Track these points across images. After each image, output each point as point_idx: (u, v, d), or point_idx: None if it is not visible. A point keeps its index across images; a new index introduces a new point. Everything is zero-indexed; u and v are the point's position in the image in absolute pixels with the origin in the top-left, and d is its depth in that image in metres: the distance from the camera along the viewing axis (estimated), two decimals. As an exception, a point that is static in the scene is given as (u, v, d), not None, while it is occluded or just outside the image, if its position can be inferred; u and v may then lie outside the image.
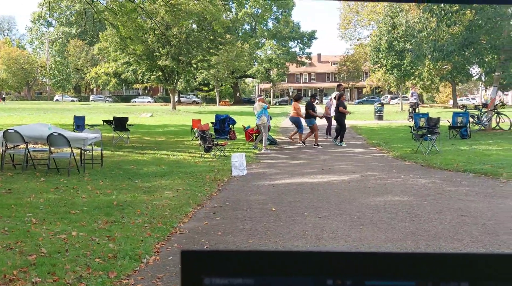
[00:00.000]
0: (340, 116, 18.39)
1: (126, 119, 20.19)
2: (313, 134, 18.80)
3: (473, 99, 79.87)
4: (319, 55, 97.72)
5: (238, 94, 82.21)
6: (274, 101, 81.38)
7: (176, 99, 60.95)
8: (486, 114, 23.55)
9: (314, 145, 18.23)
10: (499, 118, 23.44)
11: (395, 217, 7.57)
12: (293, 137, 20.24)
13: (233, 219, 7.60)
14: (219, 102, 73.27)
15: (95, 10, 23.05)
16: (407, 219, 7.47)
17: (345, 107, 18.40)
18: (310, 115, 18.52)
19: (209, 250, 0.71)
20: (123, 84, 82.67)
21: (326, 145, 18.85)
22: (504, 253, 0.67)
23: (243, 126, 21.82)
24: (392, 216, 7.66)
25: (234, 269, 0.69)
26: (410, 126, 18.00)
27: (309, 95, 19.94)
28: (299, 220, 7.46)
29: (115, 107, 54.83)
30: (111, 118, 20.46)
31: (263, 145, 17.31)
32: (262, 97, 18.58)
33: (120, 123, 19.79)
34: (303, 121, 19.19)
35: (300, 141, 19.30)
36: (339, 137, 18.76)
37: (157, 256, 5.89)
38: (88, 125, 20.65)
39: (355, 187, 10.25)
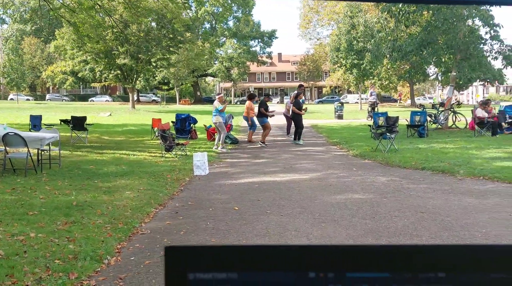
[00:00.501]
0: (296, 115, 18.52)
1: (84, 118, 19.88)
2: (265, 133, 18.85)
3: (430, 98, 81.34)
4: (279, 55, 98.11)
5: (198, 93, 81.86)
6: (235, 100, 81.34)
7: (135, 98, 60.38)
8: (443, 113, 24.03)
9: (260, 142, 18.27)
10: (456, 117, 23.95)
11: (356, 214, 7.66)
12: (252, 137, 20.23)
13: (195, 219, 7.57)
14: (179, 101, 72.85)
15: (51, 7, 22.59)
16: (368, 216, 7.56)
17: (300, 107, 18.49)
18: (262, 114, 18.56)
19: (193, 245, 0.70)
20: (81, 83, 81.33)
21: (287, 144, 18.95)
22: (479, 244, 0.68)
23: (204, 125, 21.75)
24: (353, 213, 7.75)
25: (218, 264, 0.69)
26: (369, 125, 18.23)
27: (264, 94, 19.98)
28: (261, 219, 7.48)
29: (73, 106, 53.91)
30: (69, 117, 20.13)
31: (220, 143, 17.24)
32: (221, 95, 18.55)
33: (78, 123, 19.48)
34: (255, 120, 19.26)
35: (249, 140, 19.37)
36: (297, 136, 18.90)
37: (118, 256, 5.83)
38: (45, 125, 20.23)
39: (317, 185, 10.33)
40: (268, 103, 19.59)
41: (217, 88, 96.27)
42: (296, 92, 19.37)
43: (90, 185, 10.01)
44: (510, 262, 0.68)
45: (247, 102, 19.75)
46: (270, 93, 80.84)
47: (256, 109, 19.06)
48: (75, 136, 19.15)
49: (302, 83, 22.26)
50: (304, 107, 18.77)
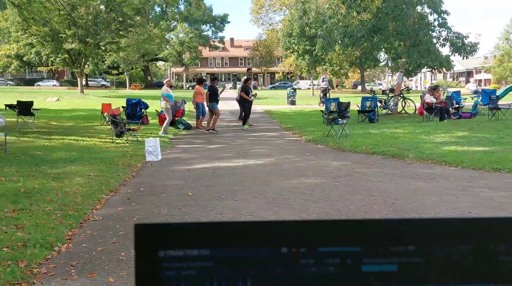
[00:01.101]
0: (243, 100, 18.54)
1: (31, 103, 19.33)
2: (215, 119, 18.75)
3: (380, 84, 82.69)
4: (232, 40, 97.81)
5: (149, 78, 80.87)
6: (187, 85, 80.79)
7: (84, 82, 59.18)
8: (392, 99, 24.45)
9: (209, 130, 18.17)
10: (405, 102, 24.41)
11: (309, 198, 7.73)
12: (202, 124, 20.07)
13: (148, 205, 7.50)
14: (130, 86, 71.87)
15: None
16: (321, 200, 7.64)
17: (247, 93, 18.49)
18: (212, 99, 18.40)
19: (163, 223, 0.69)
20: (26, 67, 79.02)
21: (241, 129, 18.93)
22: (448, 218, 0.70)
23: (156, 110, 21.50)
24: (306, 197, 7.82)
25: (189, 241, 0.68)
26: (321, 111, 18.41)
27: (212, 78, 19.80)
28: (216, 204, 7.46)
29: (18, 91, 52.45)
30: (14, 102, 19.53)
31: (162, 128, 17.07)
32: (169, 79, 18.36)
33: (24, 108, 18.90)
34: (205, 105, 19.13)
35: (198, 126, 19.27)
36: (247, 120, 18.94)
37: (69, 243, 5.72)
38: (-10, 110, 19.65)
39: (271, 170, 10.37)
40: (219, 89, 19.48)
41: (168, 73, 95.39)
42: (245, 77, 19.38)
43: (38, 172, 9.78)
44: (477, 234, 0.69)
45: (196, 87, 19.56)
46: (222, 79, 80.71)
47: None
48: (22, 121, 18.60)
49: (250, 67, 22.19)
50: (254, 93, 18.78)
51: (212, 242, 0.68)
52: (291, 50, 45.77)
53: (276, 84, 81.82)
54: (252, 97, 18.70)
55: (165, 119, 18.75)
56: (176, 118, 19.63)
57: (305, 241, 0.68)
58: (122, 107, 19.95)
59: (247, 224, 0.69)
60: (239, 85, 19.92)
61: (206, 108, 18.95)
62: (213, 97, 18.35)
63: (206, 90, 18.95)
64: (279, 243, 0.68)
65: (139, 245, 0.69)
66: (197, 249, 0.68)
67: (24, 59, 61.17)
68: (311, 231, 0.68)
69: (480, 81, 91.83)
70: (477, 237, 0.69)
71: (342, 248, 0.69)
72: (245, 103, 18.63)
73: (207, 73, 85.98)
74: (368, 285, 0.69)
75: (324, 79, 33.75)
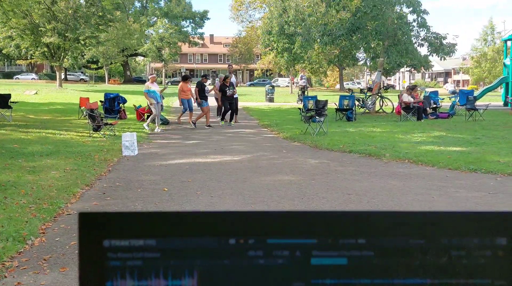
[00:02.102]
0: (222, 97, 18.56)
1: (8, 96, 19.16)
2: (201, 115, 18.72)
3: (358, 83, 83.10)
4: (211, 36, 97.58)
5: (128, 73, 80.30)
6: (166, 81, 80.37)
7: (63, 76, 58.55)
8: (370, 97, 24.60)
9: (192, 122, 18.19)
10: (383, 101, 24.57)
11: (285, 196, 7.75)
12: (191, 119, 19.97)
13: (123, 199, 7.46)
14: (109, 80, 71.30)
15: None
16: (296, 197, 7.66)
17: (224, 91, 18.44)
18: (201, 95, 18.34)
19: (108, 211, 0.68)
20: (5, 60, 78.13)
21: (219, 126, 18.90)
22: (399, 211, 0.70)
23: (134, 105, 21.38)
24: (282, 194, 7.83)
25: (135, 230, 0.67)
26: (299, 108, 18.44)
27: (202, 75, 19.69)
28: (191, 200, 7.44)
29: (-4, 84, 51.80)
30: (-9, 95, 19.33)
31: (156, 125, 17.02)
32: (154, 75, 18.27)
33: (1, 100, 18.74)
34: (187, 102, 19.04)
35: (179, 121, 19.24)
36: (230, 117, 18.92)
37: (43, 237, 5.67)
38: (-34, 102, 19.36)
39: (247, 167, 10.37)
40: (161, 87, 19.43)
41: (147, 68, 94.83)
42: (222, 75, 19.43)
43: (13, 165, 9.67)
44: (430, 228, 0.69)
45: (180, 83, 19.46)
46: (208, 74, 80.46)
47: (193, 91, 18.82)
48: (-1, 114, 18.43)
49: (230, 63, 22.17)
50: (233, 90, 18.77)
51: (159, 232, 0.67)
52: (270, 48, 45.78)
53: (255, 81, 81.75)
54: (230, 92, 18.66)
55: (143, 113, 18.68)
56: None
57: (254, 232, 0.68)
58: (100, 101, 19.82)
59: (195, 214, 0.68)
60: (217, 82, 19.79)
61: (194, 104, 18.85)
62: (202, 94, 18.27)
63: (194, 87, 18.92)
64: (227, 234, 0.68)
65: (83, 234, 0.67)
66: (143, 239, 0.67)
67: (3, 52, 60.29)
68: (260, 222, 0.68)
69: (458, 82, 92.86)
70: (430, 231, 0.69)
71: (291, 240, 0.68)
72: (224, 99, 18.61)
73: (186, 69, 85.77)
74: (317, 278, 0.69)
75: (303, 77, 33.83)
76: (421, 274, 0.69)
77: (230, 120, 19.04)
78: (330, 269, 0.69)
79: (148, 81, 17.64)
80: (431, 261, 0.69)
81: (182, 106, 19.43)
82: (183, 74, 20.87)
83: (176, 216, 0.68)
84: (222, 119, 19.02)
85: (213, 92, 19.92)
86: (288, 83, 56.78)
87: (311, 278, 0.69)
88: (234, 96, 18.97)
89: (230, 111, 19.06)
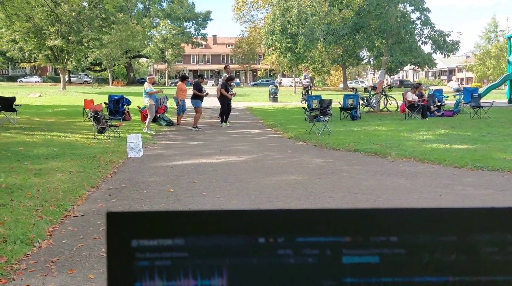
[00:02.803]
0: (222, 98, 18.52)
1: (13, 99, 19.21)
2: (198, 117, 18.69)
3: (362, 82, 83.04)
4: (214, 37, 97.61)
5: (132, 75, 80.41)
6: (170, 82, 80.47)
7: (66, 79, 58.68)
8: (374, 96, 24.57)
9: (192, 127, 18.10)
10: (387, 100, 24.54)
11: (291, 195, 7.74)
12: (181, 120, 20.02)
13: (130, 201, 7.46)
14: (112, 82, 71.39)
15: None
16: (303, 197, 7.65)
17: (227, 90, 18.44)
18: (196, 95, 18.30)
19: (136, 211, 0.67)
20: (9, 63, 78.47)
21: (223, 126, 18.90)
22: (429, 208, 0.69)
23: (138, 106, 21.39)
24: (288, 194, 7.82)
25: (163, 230, 0.66)
26: (303, 108, 18.43)
27: (198, 75, 19.66)
28: (197, 201, 7.44)
29: (1, 87, 51.90)
30: (-4, 98, 19.40)
31: (146, 125, 16.96)
32: (152, 77, 18.28)
33: (6, 103, 18.79)
34: (188, 102, 19.06)
35: (179, 123, 19.23)
36: (224, 119, 18.94)
37: (50, 239, 5.67)
38: (-29, 105, 19.41)
39: (253, 167, 10.37)
40: (203, 85, 19.42)
41: (151, 70, 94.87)
42: (226, 75, 19.43)
43: (19, 167, 9.68)
44: (459, 225, 0.68)
45: (179, 83, 19.49)
46: (205, 75, 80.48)
47: (190, 91, 18.84)
48: (4, 117, 18.45)
49: (227, 65, 22.16)
50: (234, 92, 18.81)
51: (187, 231, 0.66)
52: (273, 48, 45.75)
53: (258, 81, 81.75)
54: (231, 95, 18.68)
55: (146, 115, 18.67)
56: (158, 115, 19.57)
57: (283, 230, 0.67)
58: (104, 103, 19.84)
59: (223, 213, 0.67)
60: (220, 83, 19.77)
61: (190, 105, 18.87)
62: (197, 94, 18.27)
63: (188, 87, 18.93)
64: (256, 233, 0.67)
65: (111, 234, 0.66)
66: (171, 239, 0.66)
67: (7, 55, 60.57)
68: (290, 221, 0.67)
69: (462, 79, 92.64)
70: (460, 228, 0.68)
71: (321, 238, 0.67)
72: (224, 100, 18.58)
73: (189, 70, 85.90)
74: (349, 277, 0.68)
75: (306, 77, 33.81)
76: (452, 272, 0.68)
77: (226, 120, 19.07)
78: (362, 268, 0.68)
79: (146, 81, 17.55)
80: (462, 258, 0.68)
81: (178, 106, 19.44)
82: (185, 74, 20.87)
83: (204, 215, 0.67)
84: (225, 120, 19.01)
85: (214, 92, 19.85)
86: (292, 83, 56.71)
87: (343, 277, 0.68)
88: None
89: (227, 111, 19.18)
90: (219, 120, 19.47)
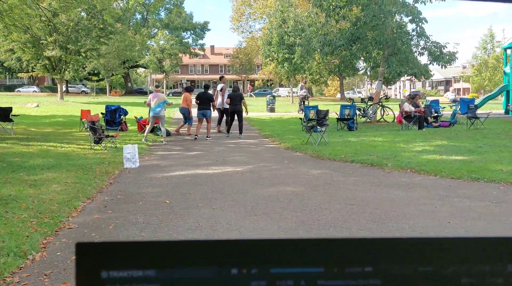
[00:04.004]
0: (227, 108, 18.58)
1: (10, 109, 19.20)
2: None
3: (359, 92, 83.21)
4: (212, 47, 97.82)
5: (129, 85, 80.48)
6: (168, 92, 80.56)
7: (64, 89, 58.69)
8: (371, 107, 24.59)
9: (207, 137, 18.10)
10: (384, 110, 24.57)
11: (287, 207, 7.71)
12: (180, 130, 20.02)
13: (125, 212, 7.42)
14: (110, 92, 71.41)
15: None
16: (299, 208, 7.62)
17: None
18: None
19: (106, 241, 0.65)
20: (7, 73, 78.43)
21: (220, 136, 18.90)
22: (406, 237, 0.67)
23: (135, 117, 21.40)
24: (284, 206, 7.80)
25: (134, 261, 0.64)
26: (300, 118, 18.43)
27: (204, 86, 19.61)
28: (193, 212, 7.41)
29: (-2, 97, 51.91)
30: (-6, 108, 19.40)
31: (145, 135, 17.00)
32: (160, 88, 18.30)
33: (3, 113, 18.79)
34: (194, 112, 19.05)
35: (189, 134, 19.19)
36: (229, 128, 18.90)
37: (44, 252, 5.63)
38: (-33, 115, 19.38)
39: (249, 178, 10.34)
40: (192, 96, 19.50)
41: (148, 80, 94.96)
42: (223, 85, 19.47)
43: (15, 178, 9.65)
44: (436, 255, 0.66)
45: (186, 94, 19.41)
46: (209, 85, 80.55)
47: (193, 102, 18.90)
48: (0, 127, 18.44)
49: (222, 75, 22.21)
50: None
51: (159, 262, 0.64)
52: (270, 58, 45.89)
53: (256, 91, 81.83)
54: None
55: (144, 125, 18.69)
56: (156, 125, 19.55)
57: (256, 261, 0.65)
58: (101, 113, 19.83)
59: (195, 243, 0.65)
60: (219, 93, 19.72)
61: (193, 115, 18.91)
62: (202, 105, 18.17)
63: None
64: (229, 264, 0.65)
65: (81, 265, 0.65)
66: (142, 270, 0.64)
67: (5, 65, 60.59)
68: (263, 251, 0.65)
69: (459, 90, 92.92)
70: (437, 258, 0.66)
71: (295, 269, 0.66)
72: (227, 110, 18.66)
73: (187, 80, 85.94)
74: None
75: (303, 87, 33.88)
76: None
77: (228, 130, 19.04)
78: None
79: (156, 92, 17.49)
80: None
81: (190, 117, 19.42)
82: (187, 85, 20.96)
83: (176, 245, 0.65)
84: (229, 130, 18.99)
85: (219, 102, 19.68)
86: (288, 93, 56.80)
87: None
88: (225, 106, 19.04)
89: (225, 119, 19.20)
90: (225, 130, 19.40)
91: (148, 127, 17.40)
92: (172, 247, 0.65)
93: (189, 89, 19.81)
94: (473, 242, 0.67)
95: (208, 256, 0.65)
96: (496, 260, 0.66)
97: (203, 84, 19.87)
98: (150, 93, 18.53)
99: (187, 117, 19.44)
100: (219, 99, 19.42)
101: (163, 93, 17.80)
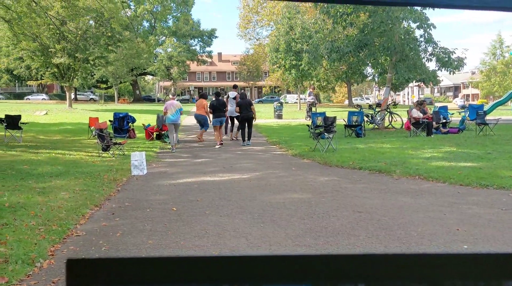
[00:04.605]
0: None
1: (19, 117, 19.31)
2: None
3: (367, 99, 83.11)
4: (219, 54, 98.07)
5: (138, 92, 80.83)
6: (176, 100, 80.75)
7: (73, 96, 59.01)
8: (379, 113, 24.54)
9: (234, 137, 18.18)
10: (392, 117, 24.51)
11: (295, 214, 7.69)
12: (202, 137, 20.00)
13: (132, 220, 7.43)
14: (118, 99, 71.71)
15: (-17, 3, 21.86)
16: (306, 216, 7.60)
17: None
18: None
19: (97, 258, 0.65)
20: (16, 81, 79.07)
21: (227, 143, 18.91)
22: (397, 254, 0.66)
23: (143, 124, 21.47)
24: (292, 213, 7.78)
25: (125, 277, 0.64)
26: (308, 125, 18.41)
27: (218, 93, 19.53)
28: (200, 219, 7.40)
29: (7, 105, 52.16)
30: (3, 116, 19.50)
31: (174, 144, 17.07)
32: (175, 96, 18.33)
33: (12, 121, 18.89)
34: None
35: (201, 140, 19.23)
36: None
37: (52, 259, 5.64)
38: (-23, 123, 19.52)
39: (256, 185, 10.33)
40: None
41: (156, 87, 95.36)
42: (236, 93, 19.46)
43: (23, 186, 9.68)
44: (430, 271, 0.65)
45: (203, 101, 19.34)
46: (210, 93, 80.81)
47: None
48: (9, 135, 18.55)
49: (235, 84, 22.29)
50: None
51: (150, 278, 0.64)
52: (278, 65, 45.92)
53: (263, 98, 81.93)
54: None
55: (152, 132, 18.78)
56: (163, 132, 19.61)
57: (247, 277, 0.64)
58: (109, 121, 19.91)
59: (186, 259, 0.65)
60: (232, 101, 19.58)
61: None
62: (217, 112, 18.21)
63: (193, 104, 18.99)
64: (220, 280, 0.64)
65: (71, 282, 0.64)
66: None
67: (14, 73, 61.10)
68: (255, 267, 0.64)
69: (468, 96, 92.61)
70: (432, 274, 0.65)
71: (287, 285, 0.65)
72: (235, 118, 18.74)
73: (194, 87, 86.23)
74: None
75: (310, 94, 33.87)
76: None
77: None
78: None
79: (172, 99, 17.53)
80: None
81: (201, 124, 19.44)
82: (195, 91, 21.02)
83: (167, 261, 0.64)
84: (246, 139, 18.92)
85: (231, 110, 19.66)
86: (296, 99, 56.78)
87: None
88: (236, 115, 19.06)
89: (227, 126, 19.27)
90: (232, 136, 19.38)
91: (170, 136, 17.31)
92: (163, 263, 0.64)
93: (204, 96, 19.82)
94: (468, 258, 0.66)
95: (200, 272, 0.64)
96: (492, 275, 0.65)
97: (215, 92, 19.81)
98: (159, 100, 18.59)
99: (203, 124, 19.43)
100: (230, 107, 19.35)
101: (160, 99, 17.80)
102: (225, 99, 19.95)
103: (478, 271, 0.65)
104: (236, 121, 19.67)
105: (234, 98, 19.36)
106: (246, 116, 18.19)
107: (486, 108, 25.18)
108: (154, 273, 0.64)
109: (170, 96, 18.00)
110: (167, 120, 16.96)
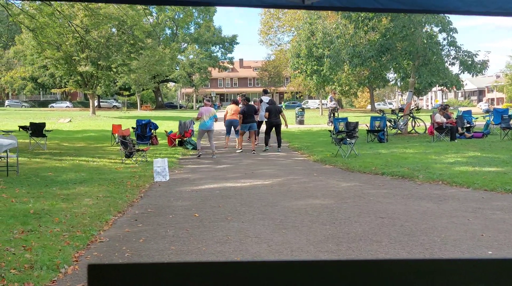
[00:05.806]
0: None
1: (43, 124, 19.57)
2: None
3: (390, 103, 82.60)
4: (241, 60, 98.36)
5: (160, 99, 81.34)
6: (197, 106, 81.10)
7: (96, 104, 59.62)
8: (402, 118, 24.37)
9: (253, 150, 18.03)
10: (415, 122, 24.33)
11: (317, 220, 7.67)
12: (228, 143, 19.90)
13: (155, 226, 7.48)
14: (141, 106, 72.25)
15: (9, 12, 22.22)
16: (328, 222, 7.58)
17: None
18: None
19: (117, 263, 0.66)
20: (40, 89, 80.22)
21: (249, 149, 18.87)
22: (408, 259, 0.67)
23: (165, 131, 21.60)
24: (314, 219, 7.76)
25: (144, 282, 0.65)
26: (329, 130, 18.34)
27: (247, 99, 19.36)
28: (222, 225, 7.43)
29: (32, 113, 52.93)
30: (28, 124, 19.80)
31: (213, 150, 17.11)
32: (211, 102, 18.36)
33: (37, 129, 19.15)
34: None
35: (226, 147, 19.24)
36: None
37: (76, 265, 5.70)
38: (3, 131, 19.77)
39: (278, 191, 10.33)
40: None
41: (178, 94, 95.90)
42: (269, 98, 19.47)
43: (48, 193, 9.81)
44: (437, 277, 0.66)
45: (235, 106, 19.24)
46: (231, 98, 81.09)
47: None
48: (34, 142, 18.80)
49: (266, 88, 22.32)
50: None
51: (167, 283, 0.65)
52: (299, 71, 45.89)
53: (285, 103, 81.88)
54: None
55: (174, 139, 18.89)
56: (185, 138, 19.71)
57: (270, 283, 0.65)
58: (132, 128, 20.07)
59: (207, 265, 0.66)
60: (264, 105, 19.37)
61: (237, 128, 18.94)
62: (247, 118, 18.14)
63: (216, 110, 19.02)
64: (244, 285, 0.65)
65: None
66: None
67: (39, 81, 61.93)
68: (277, 273, 0.65)
69: (492, 100, 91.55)
70: (439, 280, 0.65)
71: None
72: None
73: (216, 94, 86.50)
74: None
75: (332, 99, 33.78)
76: None
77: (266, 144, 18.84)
78: None
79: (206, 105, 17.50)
80: None
81: (236, 130, 19.38)
82: (236, 99, 21.06)
83: (186, 267, 0.66)
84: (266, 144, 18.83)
85: (261, 115, 19.59)
86: (318, 105, 56.66)
87: None
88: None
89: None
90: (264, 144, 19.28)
91: (198, 141, 17.33)
92: (183, 268, 0.66)
93: (236, 102, 19.89)
94: (474, 263, 0.66)
95: (222, 278, 0.65)
96: (498, 281, 0.66)
97: (245, 97, 19.69)
98: (181, 107, 18.65)
99: (235, 129, 19.37)
100: (262, 112, 19.21)
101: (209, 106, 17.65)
102: (258, 103, 19.91)
103: (504, 276, 0.66)
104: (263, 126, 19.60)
105: (268, 103, 19.16)
106: (275, 122, 18.13)
107: (511, 112, 24.86)
108: (174, 278, 0.65)
109: (206, 101, 17.90)
110: (201, 126, 16.77)
